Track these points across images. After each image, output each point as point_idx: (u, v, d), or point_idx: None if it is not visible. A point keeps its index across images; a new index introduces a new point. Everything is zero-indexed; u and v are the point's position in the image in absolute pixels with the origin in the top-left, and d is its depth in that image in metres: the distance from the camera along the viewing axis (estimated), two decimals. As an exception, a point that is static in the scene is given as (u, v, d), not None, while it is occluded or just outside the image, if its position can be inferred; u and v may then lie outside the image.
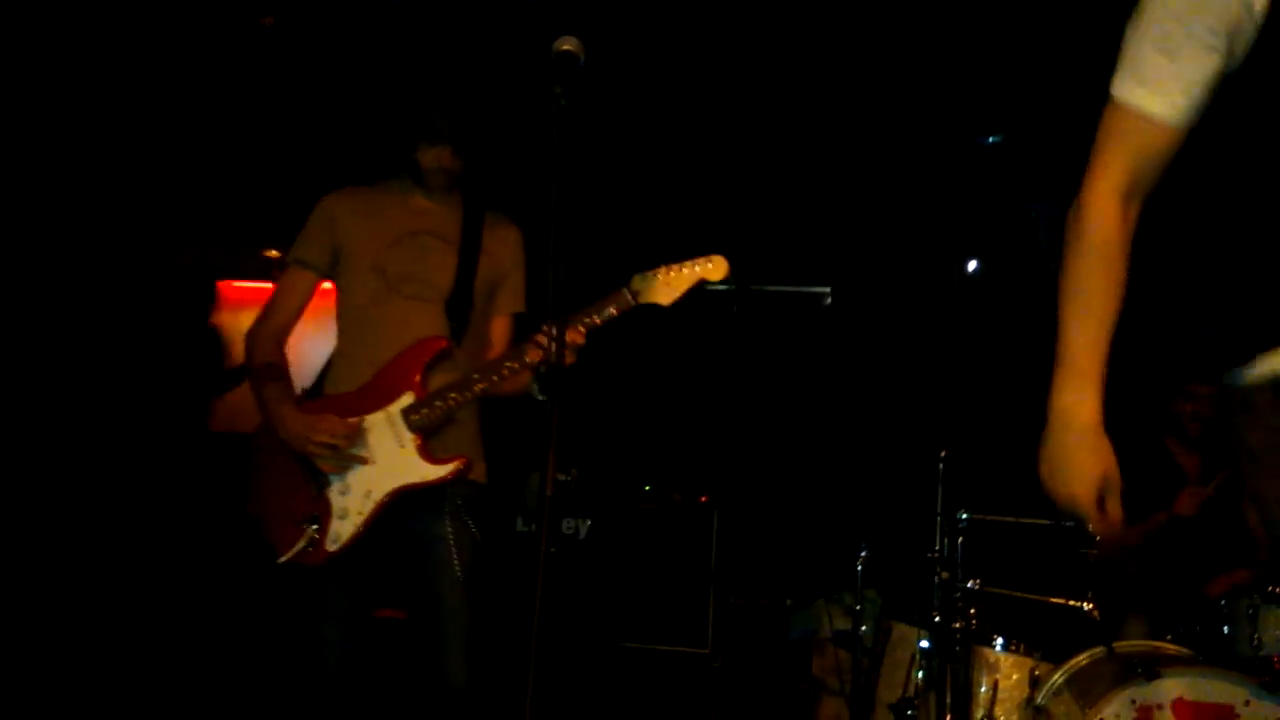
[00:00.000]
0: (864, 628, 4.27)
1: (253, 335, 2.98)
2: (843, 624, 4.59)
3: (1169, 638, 3.67)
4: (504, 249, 3.06)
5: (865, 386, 6.12)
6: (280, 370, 2.93)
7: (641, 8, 5.25)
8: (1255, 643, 3.36)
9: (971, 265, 6.36)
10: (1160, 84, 1.70)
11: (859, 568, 4.30)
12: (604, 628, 4.60)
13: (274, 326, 2.99)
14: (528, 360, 2.70)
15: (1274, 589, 3.41)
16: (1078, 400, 1.74)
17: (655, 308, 2.71)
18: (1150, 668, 3.17)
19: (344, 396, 2.87)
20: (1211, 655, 3.52)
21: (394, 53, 4.99)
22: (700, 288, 2.72)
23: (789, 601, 5.06)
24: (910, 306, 6.24)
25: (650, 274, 2.71)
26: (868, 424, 5.94)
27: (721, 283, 6.48)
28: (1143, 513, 4.28)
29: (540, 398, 2.72)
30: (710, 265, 2.72)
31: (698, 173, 6.18)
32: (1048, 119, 5.70)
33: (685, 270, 2.71)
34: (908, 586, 4.15)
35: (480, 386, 2.75)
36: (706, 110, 5.87)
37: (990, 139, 6.07)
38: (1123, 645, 3.56)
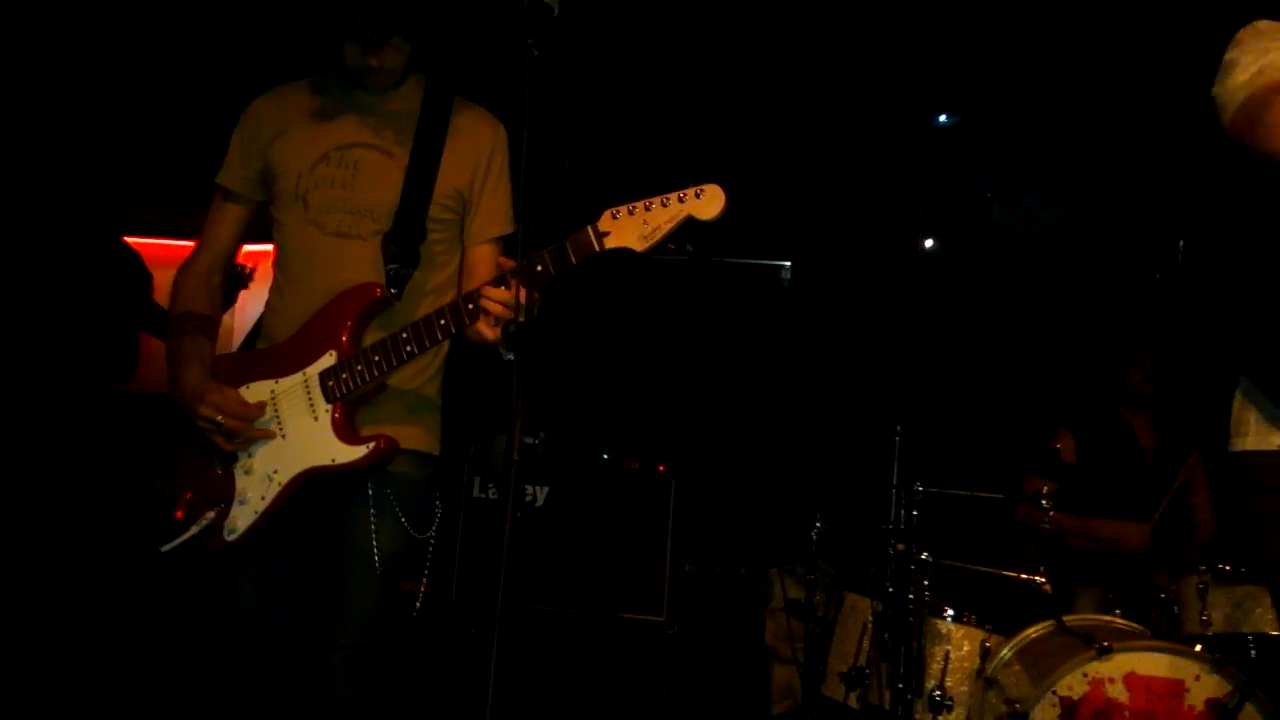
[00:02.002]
0: (817, 597, 4.30)
1: (177, 277, 2.53)
2: (796, 593, 4.62)
3: (1118, 612, 3.73)
4: (478, 152, 2.49)
5: (823, 359, 6.16)
6: (195, 320, 2.47)
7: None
8: (1205, 619, 3.42)
9: (929, 243, 6.43)
10: None
11: (813, 538, 4.31)
12: (560, 595, 4.59)
13: (199, 268, 2.52)
14: (464, 318, 2.22)
15: (1223, 566, 3.46)
16: None
17: (628, 253, 2.14)
18: (1102, 642, 3.21)
19: (263, 354, 2.45)
20: (1161, 631, 3.59)
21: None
22: (686, 226, 2.11)
23: (743, 570, 5.09)
24: (868, 282, 6.28)
25: (623, 210, 2.13)
26: (825, 396, 5.98)
27: (680, 253, 6.47)
28: (1104, 498, 4.34)
29: (507, 356, 2.18)
30: (700, 198, 2.09)
31: (662, 143, 6.15)
32: (1004, 100, 5.75)
33: (667, 206, 2.10)
34: (861, 557, 4.19)
35: (410, 349, 2.27)
36: (671, 81, 5.83)
37: (944, 118, 6.14)
38: (1073, 619, 3.62)
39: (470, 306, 2.21)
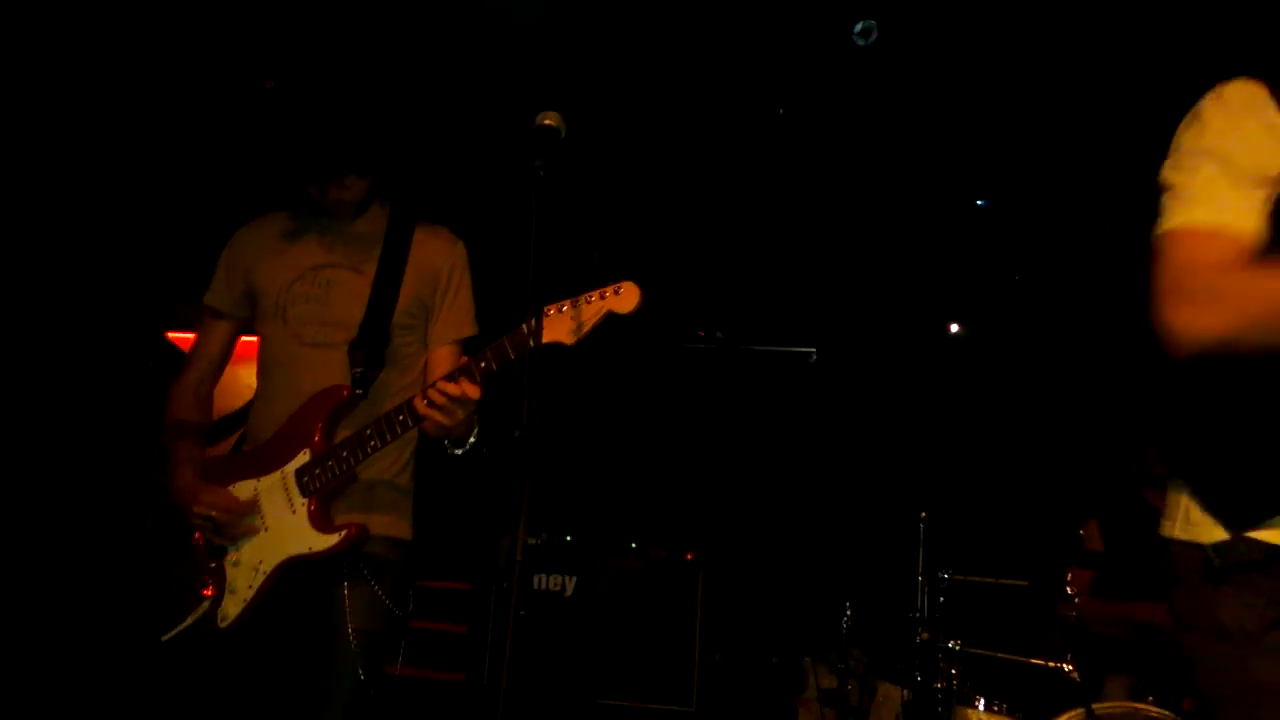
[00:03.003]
0: (849, 686, 4.29)
1: (170, 391, 2.77)
2: (829, 682, 4.61)
3: (1150, 699, 3.70)
4: (437, 267, 2.73)
5: (849, 446, 6.19)
6: (187, 428, 2.71)
7: (636, 71, 5.36)
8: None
9: (954, 328, 6.48)
10: None
11: (844, 626, 4.32)
12: (589, 684, 4.60)
13: (190, 381, 2.77)
14: (419, 412, 2.40)
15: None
16: None
17: (561, 348, 2.29)
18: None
19: (248, 454, 2.66)
20: (1194, 717, 3.55)
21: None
22: (609, 322, 2.28)
23: (774, 659, 5.08)
24: (894, 368, 6.33)
25: (553, 307, 2.29)
26: (851, 483, 5.99)
27: (709, 341, 6.57)
28: (1132, 584, 4.32)
29: (454, 452, 2.54)
30: (619, 294, 2.26)
31: (687, 234, 6.28)
32: (1033, 186, 5.84)
33: (587, 305, 2.28)
34: (892, 645, 4.18)
35: (374, 443, 2.47)
36: (698, 175, 5.98)
37: (979, 203, 6.23)
38: (1102, 706, 3.59)
39: (425, 401, 2.39)
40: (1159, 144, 1.79)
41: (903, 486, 5.35)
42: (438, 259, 2.74)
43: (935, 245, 6.39)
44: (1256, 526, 1.60)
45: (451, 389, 2.34)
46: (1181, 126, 1.72)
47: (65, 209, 4.68)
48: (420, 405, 2.40)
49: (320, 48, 4.89)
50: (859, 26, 5.14)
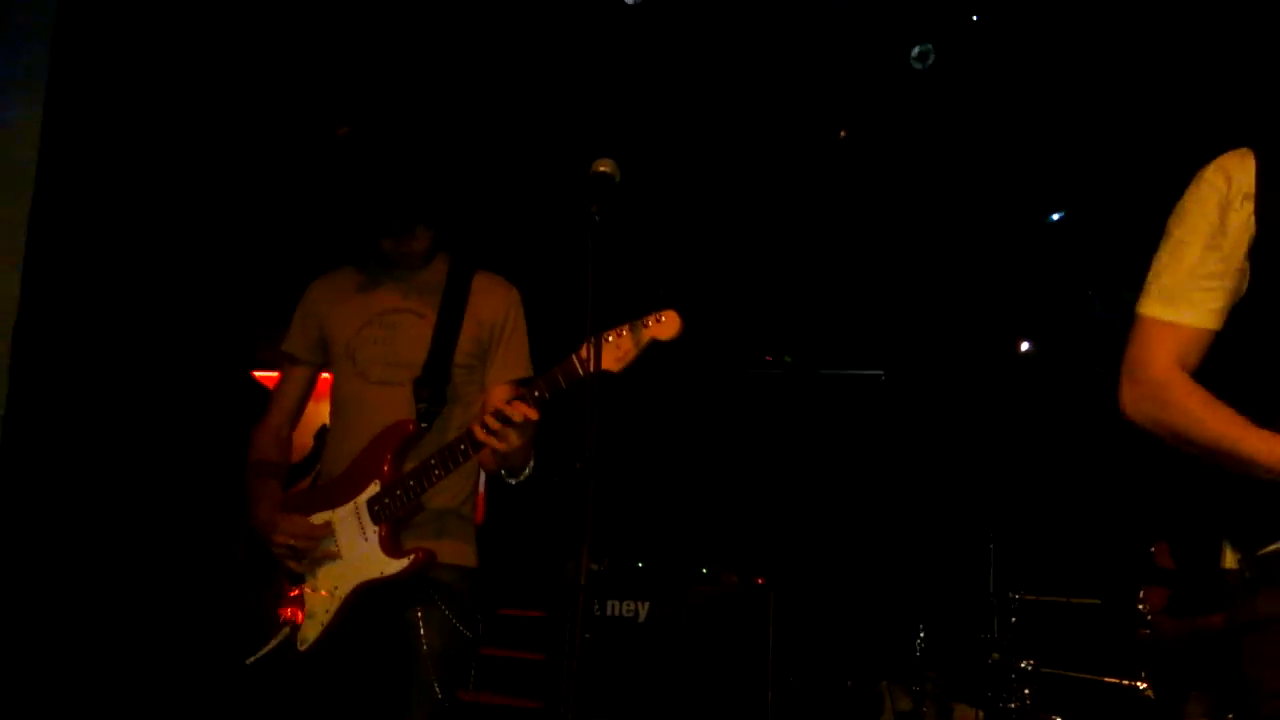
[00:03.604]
0: (925, 708, 4.29)
1: (253, 433, 2.95)
2: (904, 705, 4.61)
3: (1230, 717, 3.65)
4: (494, 313, 2.89)
5: (919, 467, 6.16)
6: (268, 468, 2.88)
7: (700, 100, 5.45)
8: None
9: (1024, 346, 6.44)
10: None
11: (918, 649, 4.32)
12: (663, 710, 4.65)
13: (271, 425, 2.96)
14: (478, 439, 2.52)
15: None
16: None
17: (609, 376, 2.38)
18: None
19: (323, 488, 2.82)
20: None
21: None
22: (654, 348, 2.39)
23: (849, 683, 5.08)
24: (963, 387, 6.30)
25: (600, 338, 2.35)
26: (923, 505, 5.97)
27: (778, 365, 6.60)
28: (1196, 604, 4.26)
29: (510, 481, 2.70)
30: (661, 322, 2.39)
31: (753, 261, 6.34)
32: (1106, 199, 5.80)
33: (631, 333, 2.40)
34: (967, 667, 4.18)
35: (437, 472, 2.61)
36: (763, 202, 6.05)
37: (1053, 217, 6.19)
38: (1180, 725, 3.56)
39: (483, 429, 2.52)
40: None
41: (974, 507, 5.33)
42: (494, 305, 2.89)
43: (1004, 263, 6.37)
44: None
45: (509, 411, 2.46)
46: (1177, 206, 1.98)
47: (158, 252, 4.89)
48: (479, 432, 2.51)
49: (391, 96, 5.08)
50: (916, 50, 5.18)
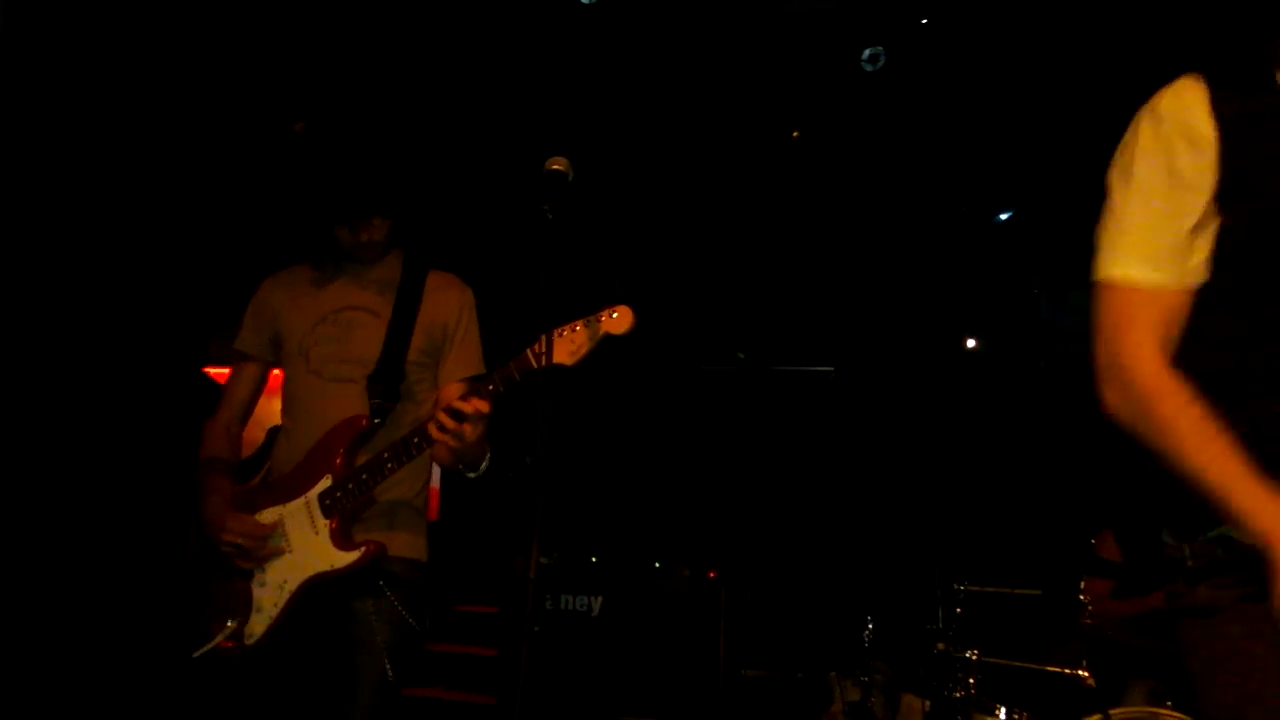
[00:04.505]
0: (873, 699, 4.36)
1: (204, 429, 2.95)
2: (853, 695, 4.67)
3: (1169, 704, 3.74)
4: (447, 312, 2.90)
5: (867, 462, 6.25)
6: (218, 465, 2.88)
7: (653, 101, 5.49)
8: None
9: (971, 343, 6.55)
10: None
11: (866, 640, 4.39)
12: (616, 702, 4.69)
13: (222, 420, 2.96)
14: (432, 436, 2.53)
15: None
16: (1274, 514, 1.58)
17: (563, 369, 2.40)
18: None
19: (273, 483, 2.83)
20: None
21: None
22: (607, 343, 2.40)
23: (799, 674, 5.14)
24: (911, 383, 6.40)
25: (554, 331, 2.41)
26: (871, 498, 6.06)
27: (730, 361, 6.63)
28: (1140, 586, 4.37)
29: (469, 475, 2.70)
30: (614, 317, 2.40)
31: (704, 258, 6.39)
32: (1053, 199, 5.91)
33: (585, 328, 2.41)
34: (914, 657, 4.25)
35: (390, 465, 2.63)
36: (715, 200, 6.10)
37: (1000, 216, 6.30)
38: (1120, 712, 3.63)
39: (436, 424, 2.53)
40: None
41: (921, 500, 5.43)
42: (448, 304, 2.91)
43: (951, 261, 6.47)
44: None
45: (463, 407, 2.48)
46: (1127, 132, 1.76)
47: (109, 249, 4.86)
48: (433, 428, 2.53)
49: (347, 91, 5.07)
50: (867, 53, 5.27)
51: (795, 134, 5.89)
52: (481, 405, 2.47)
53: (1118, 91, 5.00)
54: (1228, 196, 1.66)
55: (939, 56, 5.24)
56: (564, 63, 5.24)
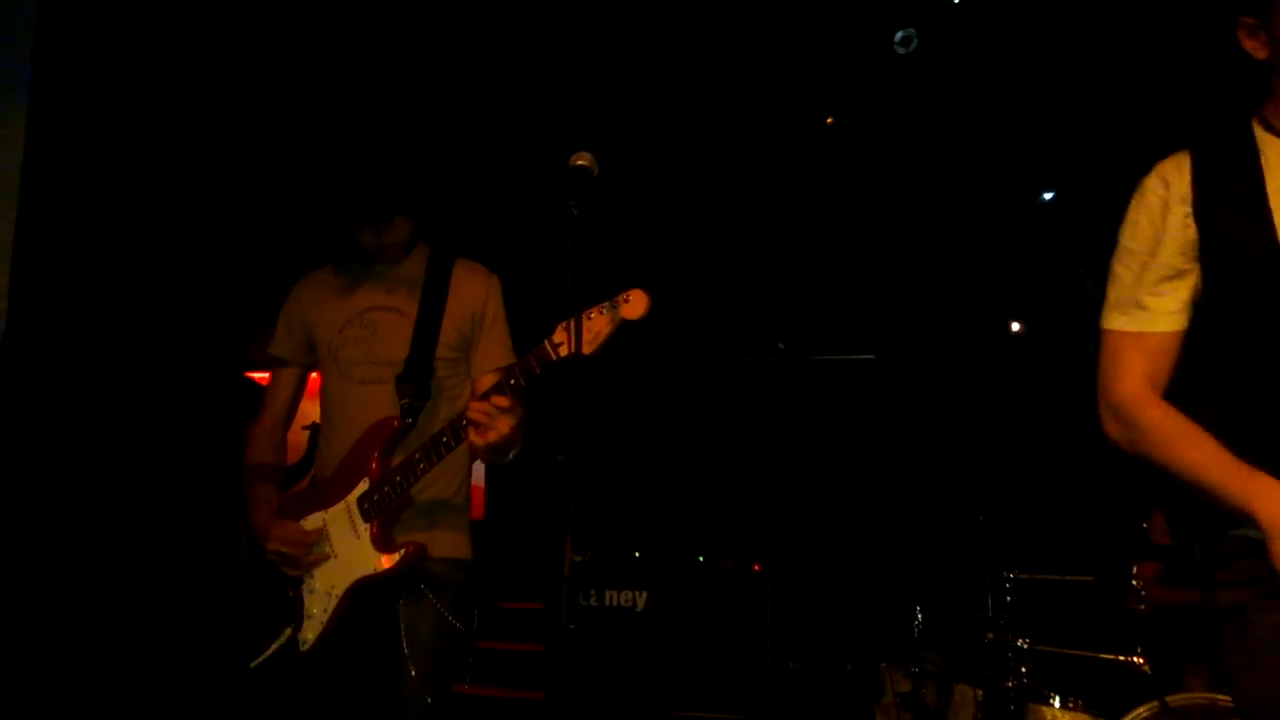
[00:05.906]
0: (924, 690, 4.30)
1: (247, 435, 2.96)
2: (904, 686, 4.62)
3: (1228, 688, 3.66)
4: (474, 302, 2.88)
5: (912, 449, 6.18)
6: (263, 471, 2.89)
7: (687, 91, 5.46)
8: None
9: (1015, 326, 6.45)
10: None
11: (916, 630, 4.33)
12: (663, 698, 4.67)
13: (265, 426, 2.97)
14: (460, 432, 2.55)
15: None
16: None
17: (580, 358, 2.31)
18: (1204, 720, 3.17)
19: (317, 489, 2.83)
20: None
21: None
22: (625, 329, 2.39)
23: (849, 666, 5.10)
24: (955, 369, 6.32)
25: (571, 321, 2.31)
26: (917, 486, 5.99)
27: (770, 353, 6.60)
28: (1186, 578, 4.28)
29: (497, 462, 2.72)
30: (629, 302, 2.39)
31: (742, 249, 6.35)
32: (1097, 179, 5.81)
33: (600, 315, 2.40)
34: (966, 646, 4.19)
35: (422, 465, 2.62)
36: (751, 189, 6.06)
37: (1044, 197, 6.20)
38: (1177, 699, 3.56)
39: (463, 421, 2.55)
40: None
41: (968, 487, 5.35)
42: (475, 293, 2.89)
43: (994, 244, 6.38)
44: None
45: (486, 405, 2.49)
46: (1124, 217, 2.05)
47: (151, 255, 4.90)
48: (470, 432, 2.54)
49: (366, 91, 5.09)
50: (899, 35, 5.19)
51: (830, 120, 5.83)
52: (500, 401, 2.48)
53: (1158, 68, 4.93)
54: (1200, 255, 1.92)
55: (975, 36, 5.16)
56: (595, 50, 5.21)
